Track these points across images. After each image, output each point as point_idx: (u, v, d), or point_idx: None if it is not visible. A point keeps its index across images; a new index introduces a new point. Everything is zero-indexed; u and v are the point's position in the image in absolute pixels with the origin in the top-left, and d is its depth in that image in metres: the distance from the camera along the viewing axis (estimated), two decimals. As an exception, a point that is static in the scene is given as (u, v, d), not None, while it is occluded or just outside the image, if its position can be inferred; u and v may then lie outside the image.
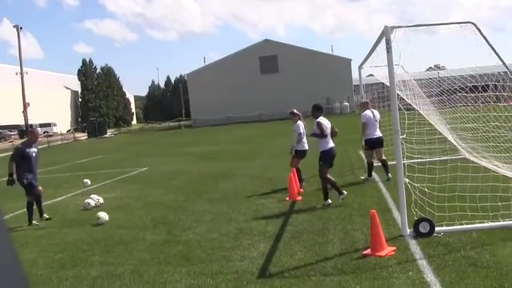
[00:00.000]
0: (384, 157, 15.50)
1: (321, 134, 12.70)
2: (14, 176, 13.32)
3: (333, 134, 12.97)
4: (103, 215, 12.87)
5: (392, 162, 12.53)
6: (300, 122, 15.02)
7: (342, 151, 21.16)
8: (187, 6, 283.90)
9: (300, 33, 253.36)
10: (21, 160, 13.32)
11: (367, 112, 15.76)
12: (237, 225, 11.20)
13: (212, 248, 9.58)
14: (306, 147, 15.09)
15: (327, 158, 12.71)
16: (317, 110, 13.13)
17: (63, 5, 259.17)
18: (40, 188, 13.82)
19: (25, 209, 13.54)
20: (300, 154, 15.05)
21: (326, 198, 12.58)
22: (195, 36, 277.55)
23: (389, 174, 14.94)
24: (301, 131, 14.85)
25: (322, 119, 12.95)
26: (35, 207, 13.53)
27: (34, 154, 13.55)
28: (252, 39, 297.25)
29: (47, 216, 13.60)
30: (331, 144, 12.79)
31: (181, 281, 7.89)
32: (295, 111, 15.48)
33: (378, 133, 15.62)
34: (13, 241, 1.36)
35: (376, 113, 15.94)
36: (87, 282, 8.28)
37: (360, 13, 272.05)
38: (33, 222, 13.26)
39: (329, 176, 12.60)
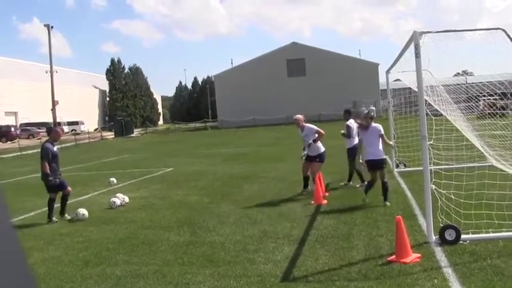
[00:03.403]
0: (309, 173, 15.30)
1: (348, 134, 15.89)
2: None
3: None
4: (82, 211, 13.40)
5: (419, 168, 12.43)
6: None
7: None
8: (214, 8, 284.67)
9: (326, 36, 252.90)
10: (48, 158, 13.45)
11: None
12: (261, 228, 11.20)
13: (236, 250, 9.59)
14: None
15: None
16: (348, 114, 16.50)
17: (91, 5, 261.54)
18: (69, 188, 13.94)
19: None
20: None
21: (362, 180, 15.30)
22: (222, 38, 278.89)
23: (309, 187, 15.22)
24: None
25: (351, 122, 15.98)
26: (57, 204, 13.66)
27: (58, 151, 13.82)
28: (279, 41, 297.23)
29: (69, 217, 13.55)
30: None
31: (204, 283, 7.90)
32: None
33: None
34: (20, 241, 1.37)
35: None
36: (111, 281, 8.33)
37: (386, 17, 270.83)
38: (53, 219, 13.36)
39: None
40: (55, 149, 13.65)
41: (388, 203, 12.67)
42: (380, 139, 12.95)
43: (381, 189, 12.83)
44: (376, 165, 12.83)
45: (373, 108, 14.18)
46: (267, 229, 11.07)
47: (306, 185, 15.27)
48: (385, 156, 13.19)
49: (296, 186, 16.63)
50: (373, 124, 13.08)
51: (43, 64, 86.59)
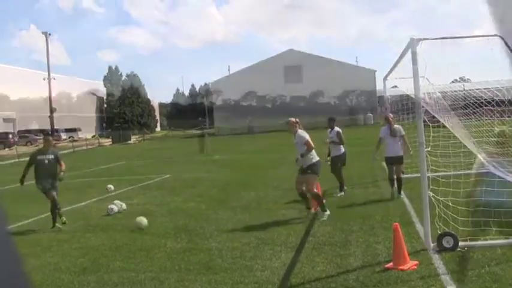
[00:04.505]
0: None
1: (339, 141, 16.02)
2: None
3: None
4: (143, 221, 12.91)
5: (416, 175, 12.43)
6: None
7: (365, 162, 21.06)
8: (210, 15, 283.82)
9: (323, 42, 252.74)
10: (34, 166, 13.65)
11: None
12: (258, 235, 11.17)
13: (233, 257, 9.56)
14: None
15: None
16: (332, 121, 16.41)
17: (88, 12, 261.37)
18: (54, 194, 13.80)
19: (48, 213, 13.74)
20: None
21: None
22: (219, 45, 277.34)
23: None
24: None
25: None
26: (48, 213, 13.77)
27: (46, 161, 13.65)
28: (276, 48, 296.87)
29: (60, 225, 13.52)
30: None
31: (201, 290, 7.89)
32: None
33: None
34: (16, 245, 1.36)
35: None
36: (108, 288, 8.31)
37: (383, 24, 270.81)
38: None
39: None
40: (44, 157, 13.67)
41: (401, 195, 14.61)
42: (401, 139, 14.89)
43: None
44: (393, 160, 14.72)
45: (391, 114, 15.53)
46: (264, 236, 11.05)
47: (307, 205, 13.18)
48: (402, 154, 14.80)
49: (293, 193, 16.58)
50: (395, 126, 15.08)
51: (41, 71, 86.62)
